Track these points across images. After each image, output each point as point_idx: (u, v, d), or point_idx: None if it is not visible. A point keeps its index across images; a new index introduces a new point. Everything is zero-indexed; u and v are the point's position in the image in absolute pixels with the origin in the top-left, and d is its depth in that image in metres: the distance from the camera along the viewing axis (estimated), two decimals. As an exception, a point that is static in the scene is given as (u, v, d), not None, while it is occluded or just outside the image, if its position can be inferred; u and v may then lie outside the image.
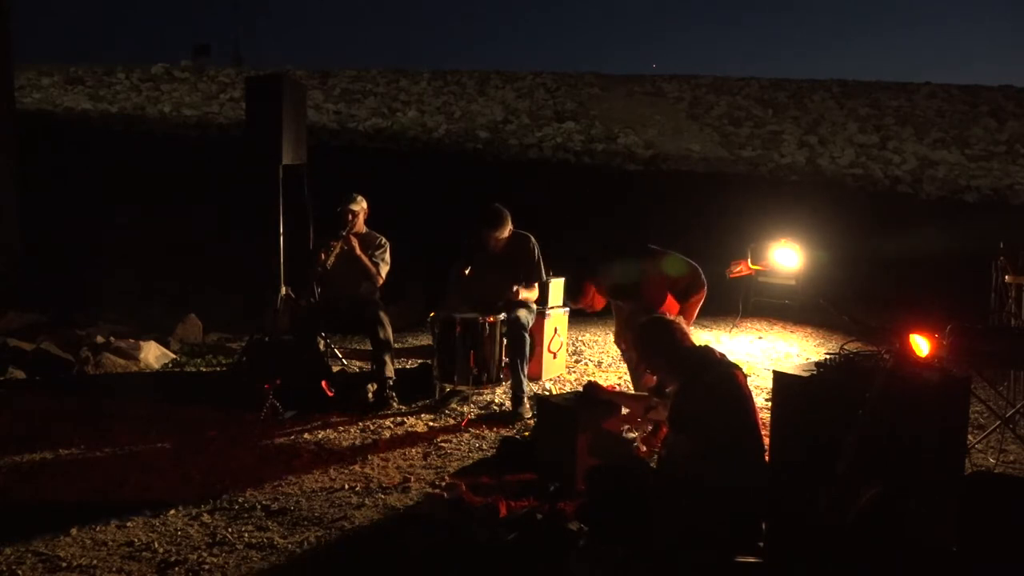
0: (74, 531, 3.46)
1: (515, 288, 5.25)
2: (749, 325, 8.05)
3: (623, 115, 19.78)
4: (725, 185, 13.82)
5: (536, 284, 5.45)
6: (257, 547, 3.35)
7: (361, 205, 5.80)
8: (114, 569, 3.18)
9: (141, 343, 6.34)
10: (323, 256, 5.67)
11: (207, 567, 3.19)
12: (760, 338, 7.63)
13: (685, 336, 3.58)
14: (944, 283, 7.80)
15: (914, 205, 13.81)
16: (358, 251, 5.62)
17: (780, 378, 3.25)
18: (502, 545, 3.26)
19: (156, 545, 3.35)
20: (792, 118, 19.84)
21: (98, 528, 3.50)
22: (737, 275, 7.61)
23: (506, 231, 5.32)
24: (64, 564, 3.20)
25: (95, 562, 3.22)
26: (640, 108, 20.57)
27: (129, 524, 3.54)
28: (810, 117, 19.89)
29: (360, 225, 5.79)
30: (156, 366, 6.24)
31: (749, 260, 7.49)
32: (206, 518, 3.63)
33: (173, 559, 3.24)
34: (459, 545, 3.36)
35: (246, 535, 3.46)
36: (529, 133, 18.21)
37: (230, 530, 3.50)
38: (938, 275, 8.54)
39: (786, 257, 7.50)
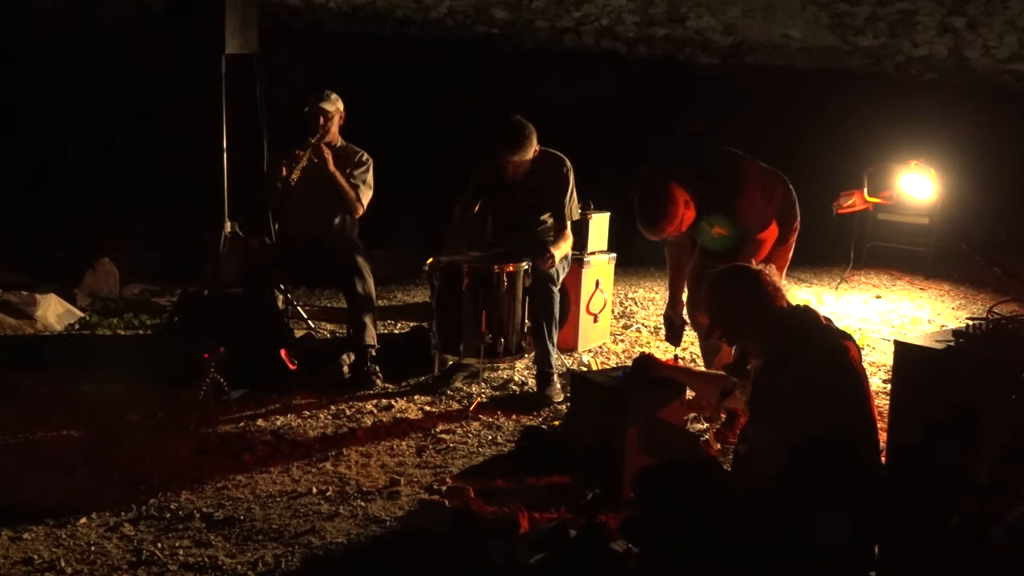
0: (-46, 544, 3.54)
1: (546, 256, 5.16)
2: (864, 280, 8.03)
3: (694, -12, 19.49)
4: (835, 86, 13.64)
5: (567, 227, 5.42)
6: (196, 568, 3.42)
7: (336, 106, 5.78)
8: (8, 594, 3.27)
9: (38, 296, 6.42)
10: (284, 171, 5.66)
11: (130, 593, 3.28)
12: (878, 297, 7.62)
13: (778, 293, 3.56)
14: None
15: (1098, 115, 13.58)
16: (331, 167, 5.61)
17: (904, 351, 3.25)
18: (523, 569, 3.32)
19: (62, 563, 3.42)
20: (931, -8, 19.48)
21: (-14, 540, 3.58)
22: (848, 211, 7.58)
23: (530, 152, 5.29)
24: (-58, 586, 3.29)
25: (-17, 584, 3.31)
26: (718, -22, 20.25)
27: (26, 536, 3.62)
28: (956, -9, 19.51)
29: (334, 134, 5.78)
30: (58, 327, 6.33)
31: (865, 191, 7.45)
32: (128, 529, 3.71)
33: (86, 582, 3.33)
34: (465, 569, 3.42)
35: (181, 552, 3.53)
36: (564, 13, 18.01)
37: (160, 545, 3.58)
38: None
39: (917, 186, 7.45)
